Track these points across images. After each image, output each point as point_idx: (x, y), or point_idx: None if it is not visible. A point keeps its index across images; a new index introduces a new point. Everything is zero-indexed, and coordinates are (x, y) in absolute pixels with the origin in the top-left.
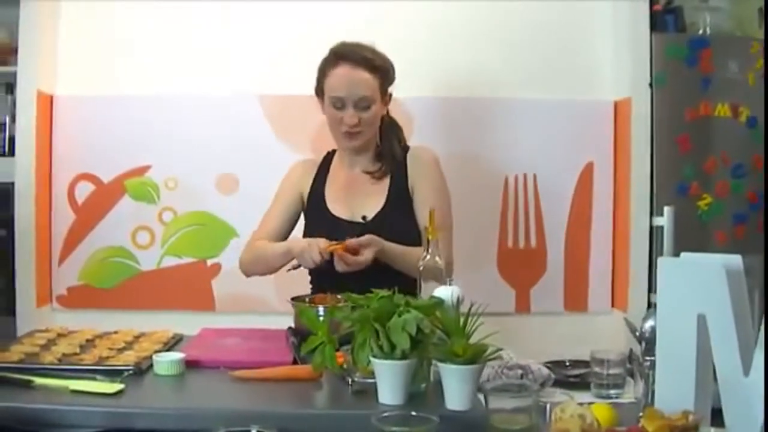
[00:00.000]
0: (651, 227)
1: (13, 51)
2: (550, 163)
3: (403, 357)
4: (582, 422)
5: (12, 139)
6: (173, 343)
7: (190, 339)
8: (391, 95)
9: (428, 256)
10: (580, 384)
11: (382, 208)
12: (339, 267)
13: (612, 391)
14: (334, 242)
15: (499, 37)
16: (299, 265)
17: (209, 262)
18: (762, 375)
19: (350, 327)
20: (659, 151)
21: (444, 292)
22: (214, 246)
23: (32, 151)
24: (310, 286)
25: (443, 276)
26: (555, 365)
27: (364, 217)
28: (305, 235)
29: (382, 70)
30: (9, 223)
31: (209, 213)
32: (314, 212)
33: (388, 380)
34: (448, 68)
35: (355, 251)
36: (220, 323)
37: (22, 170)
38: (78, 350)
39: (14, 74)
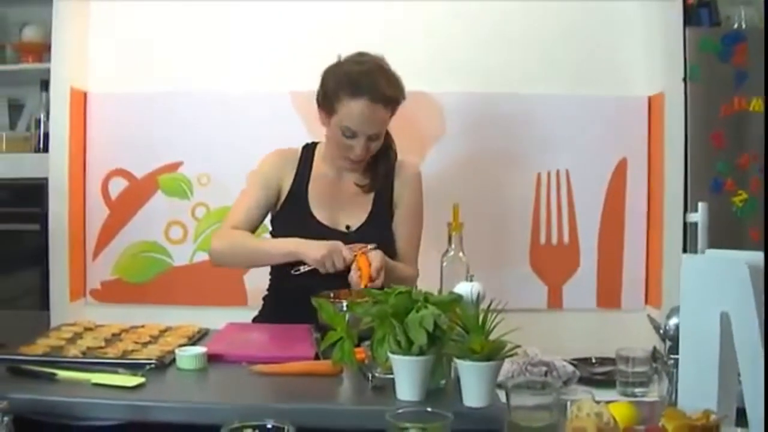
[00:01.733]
0: (685, 224)
1: (47, 48)
2: (584, 160)
3: (421, 353)
4: (598, 421)
5: (47, 136)
6: (198, 337)
7: (214, 333)
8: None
9: (452, 252)
10: (606, 382)
11: (366, 220)
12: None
13: (637, 389)
14: (356, 250)
15: (533, 32)
16: (310, 267)
17: None
18: None
19: (370, 322)
20: (693, 146)
21: (464, 288)
22: None
23: (66, 148)
24: (267, 287)
25: (467, 271)
26: (581, 362)
27: (347, 227)
28: (280, 232)
29: (396, 101)
30: (43, 219)
31: None
32: (295, 212)
33: (406, 376)
34: (480, 64)
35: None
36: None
37: (55, 166)
38: (103, 344)
39: (49, 71)
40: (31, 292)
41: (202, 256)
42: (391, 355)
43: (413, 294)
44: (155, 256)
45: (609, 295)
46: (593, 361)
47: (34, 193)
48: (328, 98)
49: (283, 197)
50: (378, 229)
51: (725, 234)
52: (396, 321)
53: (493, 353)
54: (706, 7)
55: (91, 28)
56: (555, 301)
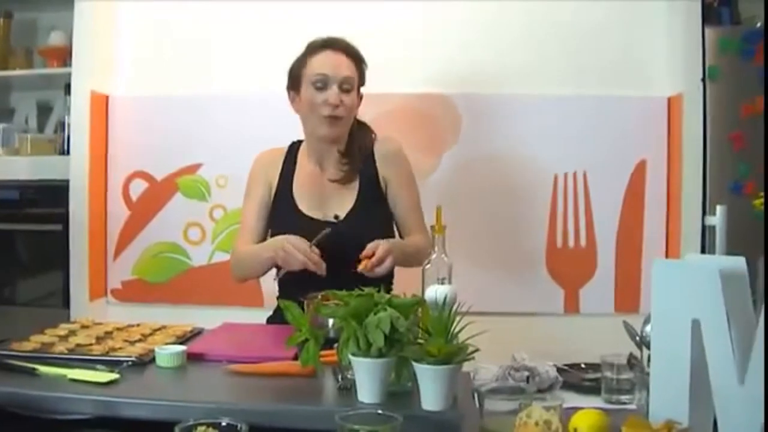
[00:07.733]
0: (704, 227)
1: (71, 53)
2: (602, 161)
3: (380, 355)
4: (546, 429)
5: (70, 139)
6: (189, 336)
7: (206, 333)
8: (362, 96)
9: (434, 254)
10: (594, 388)
11: (354, 206)
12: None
13: (623, 397)
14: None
15: (552, 33)
16: (286, 272)
17: None
18: (761, 383)
19: (339, 324)
20: (713, 148)
21: (431, 291)
22: None
23: (86, 150)
24: (277, 292)
25: (449, 274)
26: (572, 368)
27: (336, 216)
28: (274, 231)
29: (360, 61)
30: (66, 220)
31: None
32: (283, 209)
33: (365, 378)
34: (497, 65)
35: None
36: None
37: (76, 168)
38: (93, 341)
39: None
40: (54, 291)
41: (220, 257)
42: (351, 357)
43: (376, 296)
44: (174, 256)
45: (627, 300)
46: (582, 366)
47: (57, 194)
48: (294, 73)
49: (272, 196)
50: (367, 213)
51: (745, 237)
52: (356, 323)
53: (451, 356)
54: (726, 6)
55: (113, 33)
56: (572, 306)
